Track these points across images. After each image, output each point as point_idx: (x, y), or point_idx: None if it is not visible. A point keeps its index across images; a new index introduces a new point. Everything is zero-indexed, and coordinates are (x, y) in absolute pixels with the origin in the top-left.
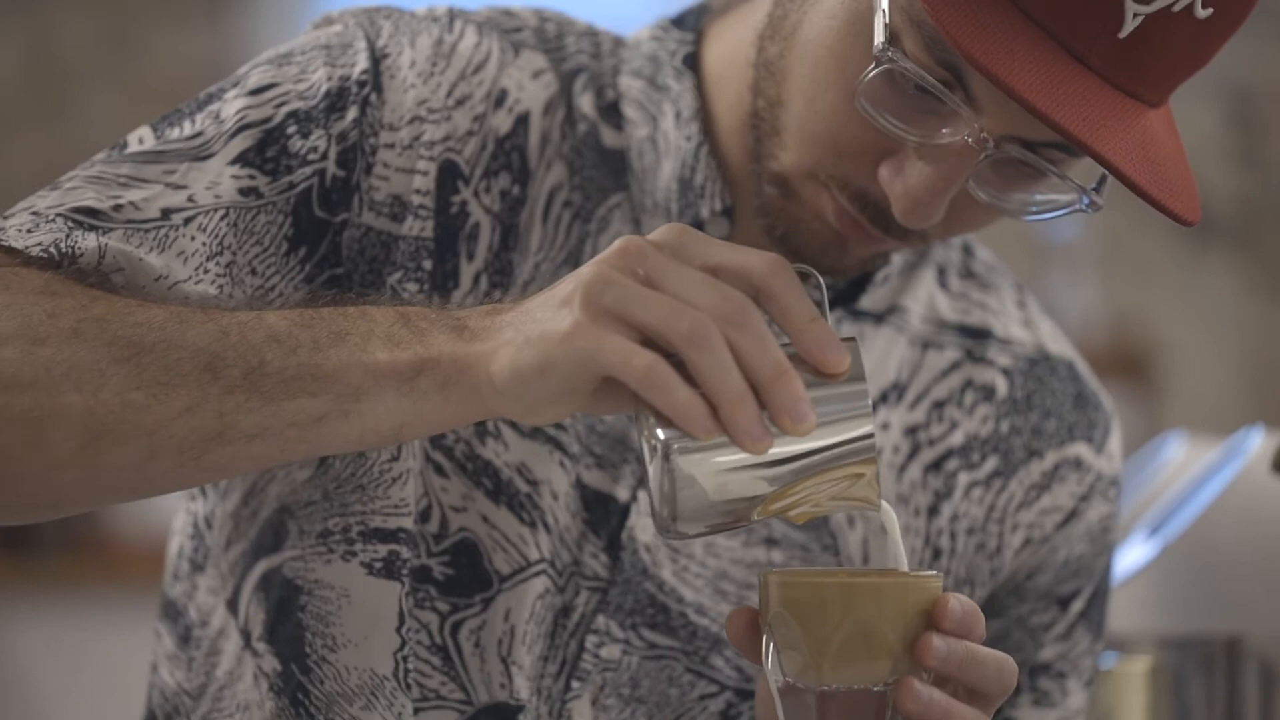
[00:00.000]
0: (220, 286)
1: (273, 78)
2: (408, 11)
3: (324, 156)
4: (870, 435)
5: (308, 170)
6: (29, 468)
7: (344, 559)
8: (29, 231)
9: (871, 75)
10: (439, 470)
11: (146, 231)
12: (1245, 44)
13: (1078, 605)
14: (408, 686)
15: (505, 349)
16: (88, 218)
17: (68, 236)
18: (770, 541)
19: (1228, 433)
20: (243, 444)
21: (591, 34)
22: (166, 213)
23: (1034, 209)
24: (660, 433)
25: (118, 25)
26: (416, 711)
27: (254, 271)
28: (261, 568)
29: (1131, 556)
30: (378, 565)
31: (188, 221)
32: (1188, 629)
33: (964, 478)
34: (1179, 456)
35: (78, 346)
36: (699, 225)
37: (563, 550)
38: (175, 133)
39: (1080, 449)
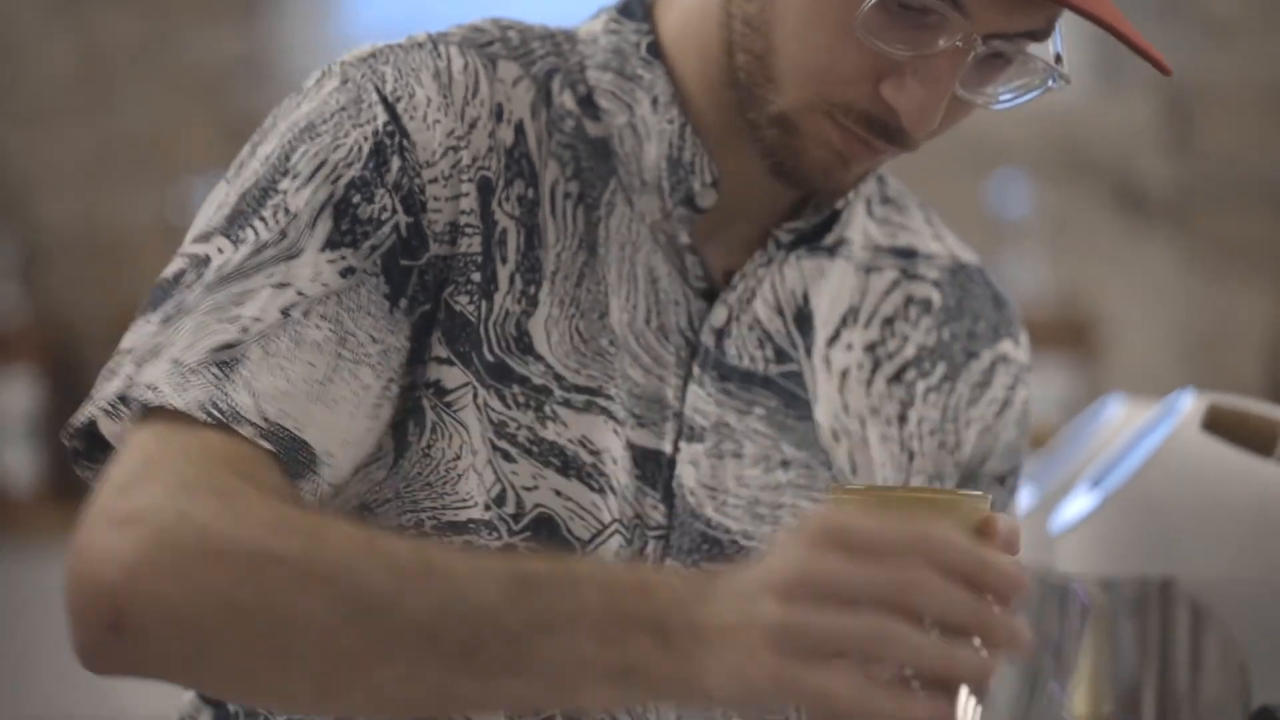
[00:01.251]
0: (353, 373)
1: (315, 154)
2: (395, 47)
3: (393, 211)
4: None
5: (385, 230)
6: (263, 691)
7: None
8: (182, 389)
9: (869, 6)
10: (506, 457)
11: (277, 336)
12: (1180, 45)
13: (1011, 481)
14: None
15: (712, 677)
16: (225, 352)
17: (223, 393)
18: (784, 464)
19: (1162, 395)
20: (457, 706)
21: (548, 35)
22: (286, 311)
23: (1006, 97)
24: None
25: (159, 26)
26: None
27: (373, 339)
28: None
29: (1074, 507)
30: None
31: (306, 314)
32: (1125, 572)
33: (921, 385)
34: (1118, 416)
35: (313, 598)
36: (690, 198)
37: (627, 507)
38: (251, 236)
39: (1006, 345)
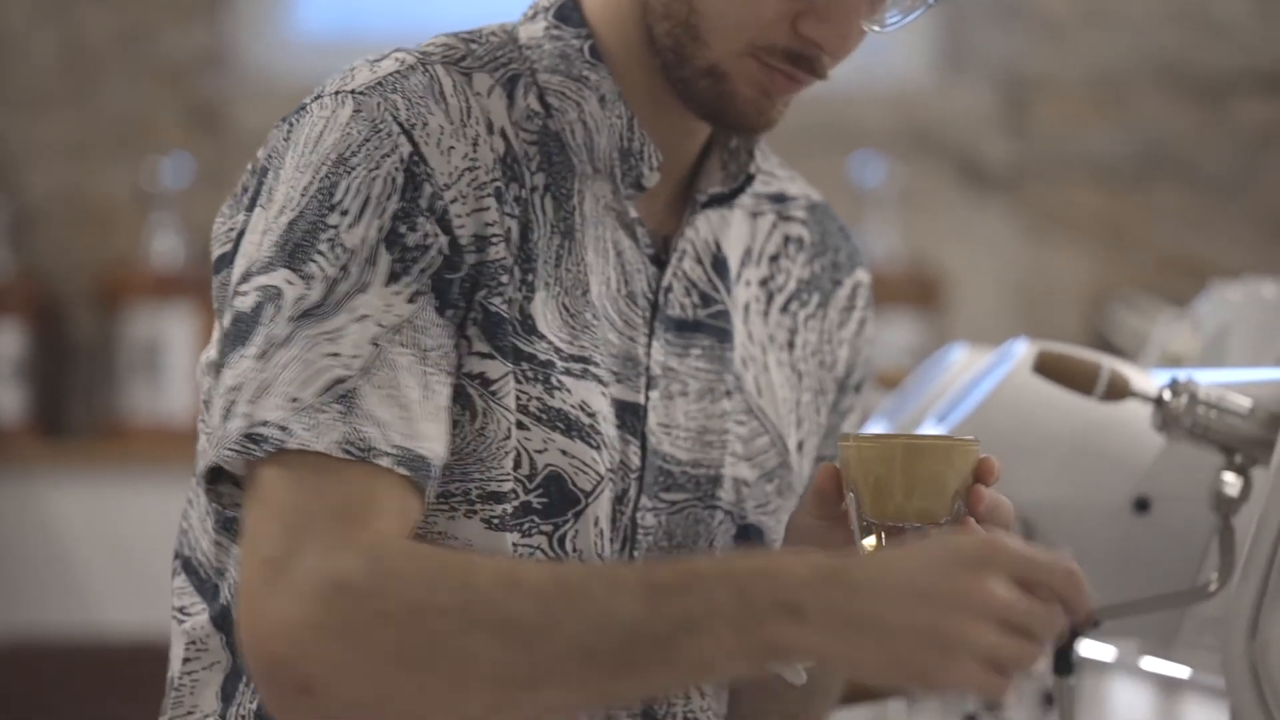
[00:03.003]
0: (439, 382)
1: (357, 189)
2: (395, 74)
3: (435, 235)
4: None
5: (431, 253)
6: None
7: (466, 516)
8: (315, 430)
9: None
10: (520, 425)
11: (377, 369)
12: (1017, 41)
13: (865, 385)
14: None
15: (872, 659)
16: (338, 387)
17: (354, 430)
18: (727, 394)
19: (998, 343)
20: (617, 703)
21: (503, 42)
22: (375, 342)
23: (893, 20)
24: None
25: (134, 21)
26: None
27: (439, 347)
28: None
29: None
30: (494, 520)
31: (391, 343)
32: None
33: (802, 314)
34: (960, 361)
35: (480, 642)
36: (639, 182)
37: (615, 456)
38: (318, 272)
39: (860, 273)
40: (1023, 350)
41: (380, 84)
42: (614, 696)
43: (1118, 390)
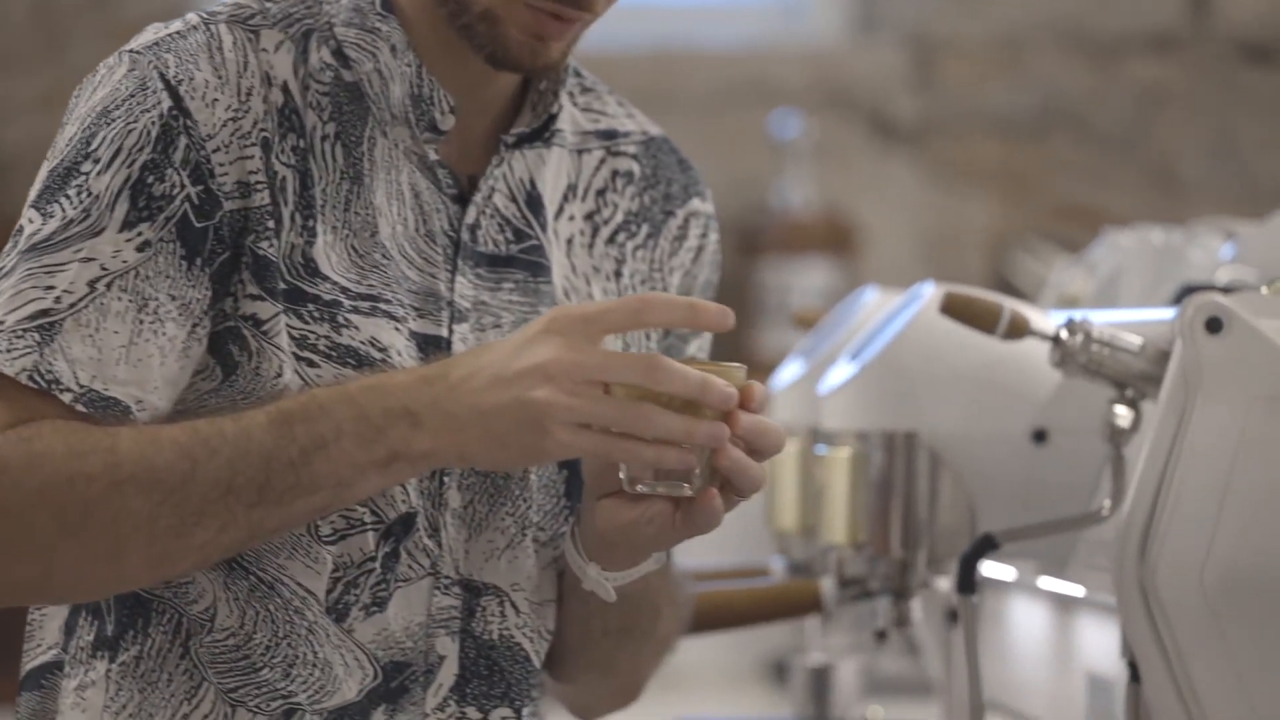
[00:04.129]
0: (155, 330)
1: (113, 139)
2: (175, 34)
3: (182, 185)
4: None
5: (176, 203)
6: (108, 584)
7: None
8: (8, 355)
9: None
10: (310, 364)
11: (86, 308)
12: (922, 2)
13: None
14: (319, 535)
15: (476, 446)
16: (43, 318)
17: (44, 360)
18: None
19: (907, 286)
20: (268, 535)
21: (296, 1)
22: (92, 284)
23: None
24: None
25: None
26: (342, 538)
27: (172, 298)
28: None
29: (837, 374)
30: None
31: (109, 287)
32: (878, 426)
33: (630, 244)
34: (872, 302)
35: (128, 498)
36: (434, 125)
37: None
38: (59, 211)
39: (695, 203)
40: (930, 292)
41: (158, 44)
42: (264, 528)
43: (1018, 329)
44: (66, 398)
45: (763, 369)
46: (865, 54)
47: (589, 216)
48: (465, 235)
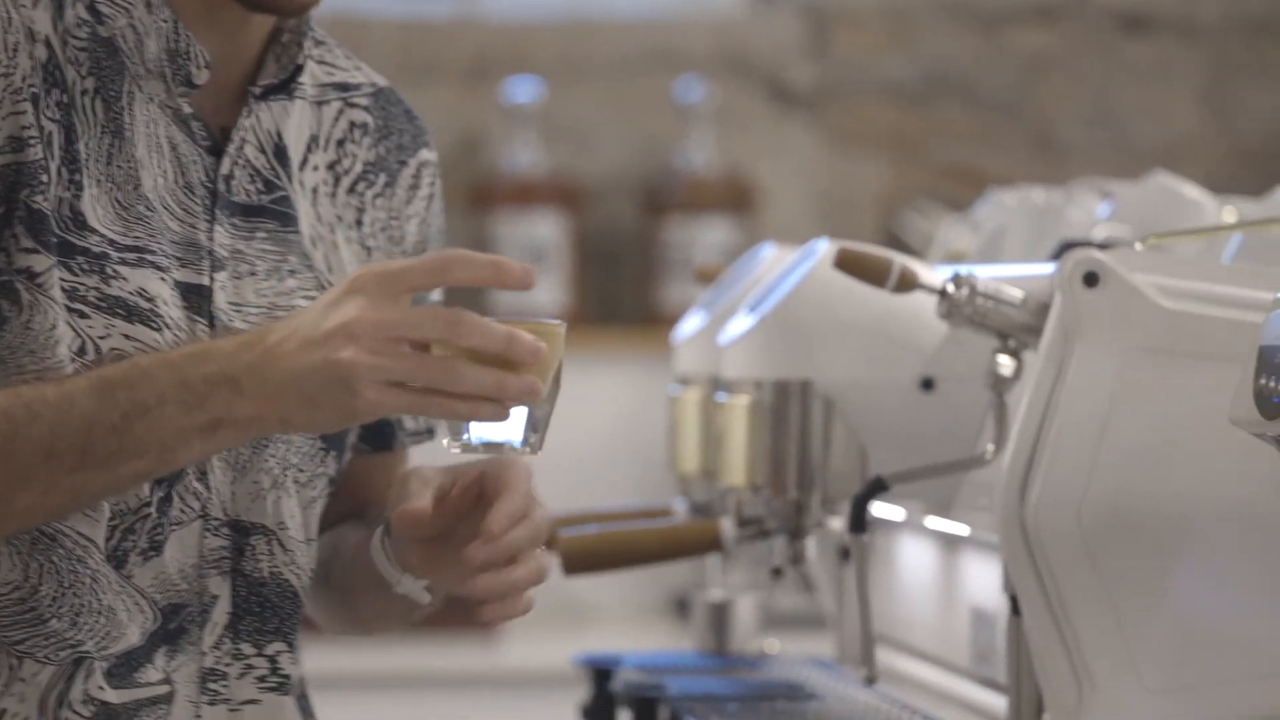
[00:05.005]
0: None
1: None
2: None
3: None
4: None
5: None
6: None
7: None
8: None
9: None
10: (81, 315)
11: None
12: None
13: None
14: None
15: (294, 411)
16: None
17: None
18: (292, 273)
19: (803, 242)
20: (93, 499)
21: None
22: None
23: None
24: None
25: None
26: None
27: None
28: None
29: (737, 325)
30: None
31: None
32: (775, 375)
33: (369, 193)
34: (770, 258)
35: None
36: (189, 80)
37: (183, 335)
38: None
39: (424, 153)
40: (824, 248)
41: None
42: (87, 491)
43: (907, 283)
44: None
45: (666, 322)
46: (764, 23)
47: (331, 166)
48: (221, 186)
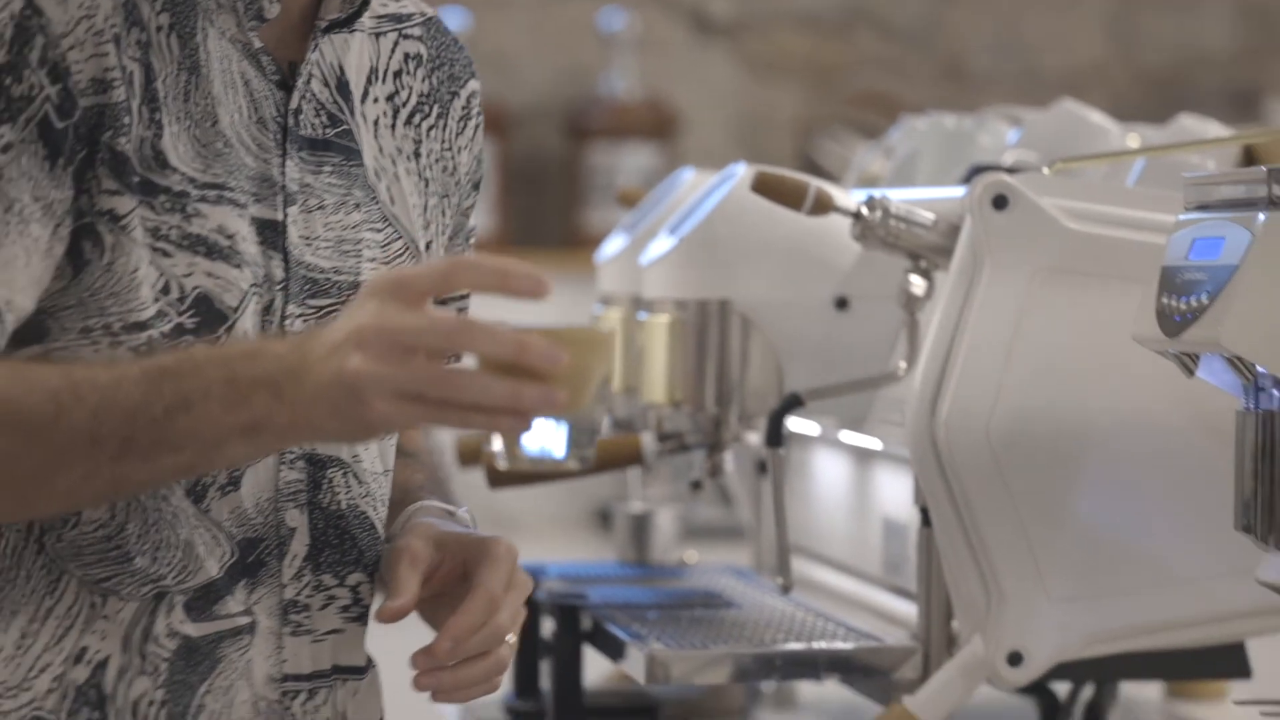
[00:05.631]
0: (21, 232)
1: None
2: None
3: (41, 86)
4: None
5: (36, 103)
6: None
7: (111, 347)
8: None
9: None
10: (165, 254)
11: None
12: None
13: (480, 185)
14: None
15: (323, 419)
16: None
17: None
18: (357, 206)
19: (721, 167)
20: (135, 489)
21: None
22: None
23: None
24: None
25: None
26: None
27: (36, 199)
28: (23, 355)
29: (658, 247)
30: (142, 348)
31: None
32: (694, 294)
33: (424, 124)
34: (690, 182)
35: None
36: (260, 14)
37: (259, 271)
38: None
39: (472, 83)
40: (742, 172)
41: None
42: (130, 480)
43: (822, 206)
44: None
45: (590, 244)
46: None
47: (389, 98)
48: (290, 120)
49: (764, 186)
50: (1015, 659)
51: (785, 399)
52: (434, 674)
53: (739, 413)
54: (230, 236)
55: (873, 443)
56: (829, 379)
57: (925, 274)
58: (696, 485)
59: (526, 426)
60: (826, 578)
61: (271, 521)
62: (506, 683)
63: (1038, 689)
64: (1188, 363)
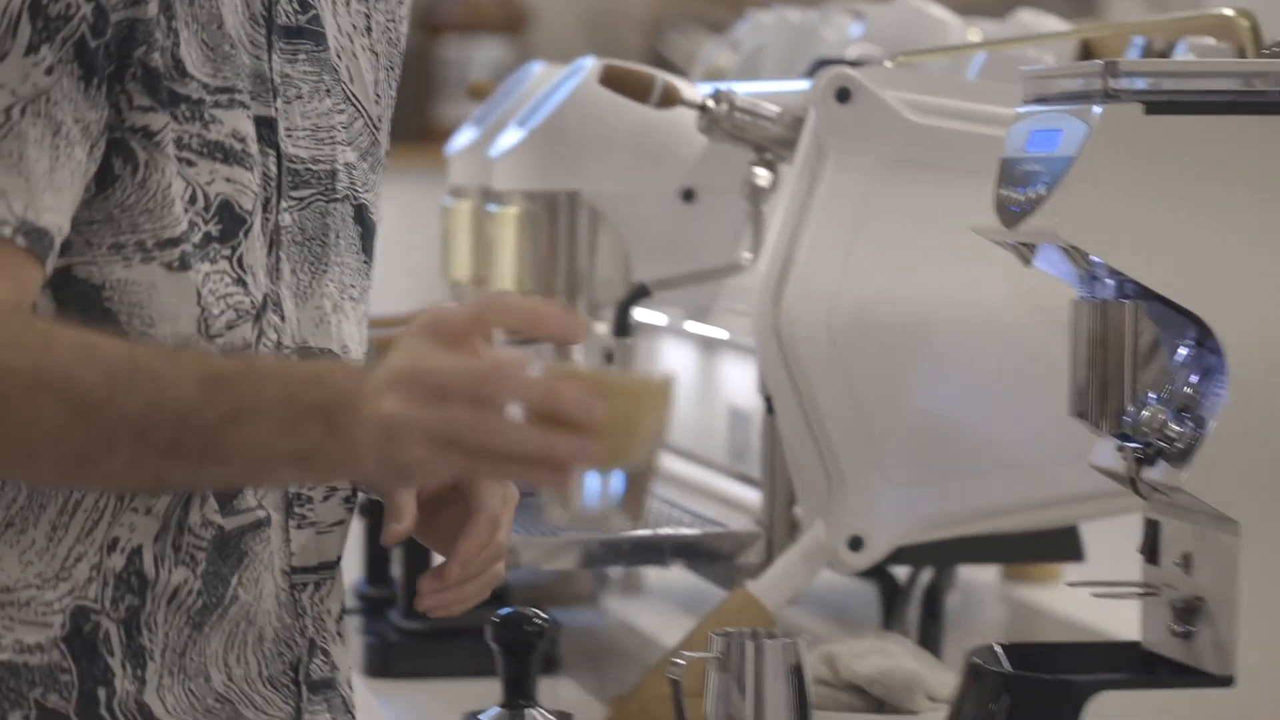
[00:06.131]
0: (68, 155)
1: None
2: None
3: (77, 5)
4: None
5: (74, 22)
6: (21, 479)
7: (143, 262)
8: None
9: None
10: (189, 164)
11: (6, 137)
12: None
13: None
14: (209, 332)
15: (368, 460)
16: None
17: None
18: (327, 92)
19: (571, 61)
20: (179, 488)
21: None
22: (7, 111)
23: None
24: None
25: None
26: (230, 327)
27: (77, 121)
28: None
29: (507, 139)
30: (174, 263)
31: (24, 112)
32: (543, 186)
33: (375, 1)
34: (539, 74)
35: (42, 406)
36: None
37: (261, 171)
38: None
39: None
40: (591, 66)
41: None
42: (173, 480)
43: (669, 99)
44: (5, 231)
45: (441, 137)
46: None
47: None
48: (273, 12)
49: (612, 79)
50: (856, 543)
51: (632, 289)
52: (440, 594)
53: (588, 303)
54: (242, 139)
55: (718, 333)
56: (676, 270)
57: (770, 166)
58: None
59: (565, 480)
60: (672, 465)
61: None
62: (357, 569)
63: (878, 573)
64: (1025, 253)
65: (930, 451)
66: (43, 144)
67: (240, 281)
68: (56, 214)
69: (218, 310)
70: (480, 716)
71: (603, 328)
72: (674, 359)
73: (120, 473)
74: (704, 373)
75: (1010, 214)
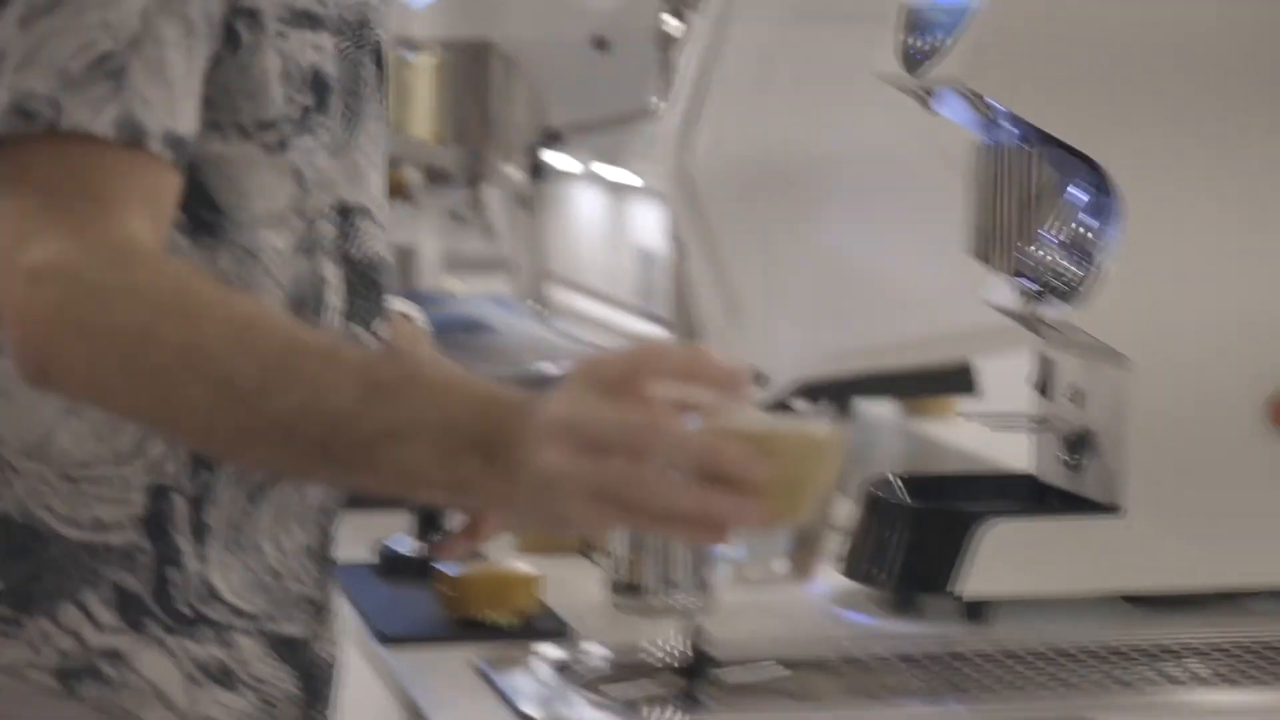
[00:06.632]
0: (198, 54)
1: None
2: None
3: None
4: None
5: None
6: (166, 438)
7: (241, 140)
8: (88, 109)
9: None
10: (283, 36)
11: (144, 43)
12: None
13: None
14: (304, 216)
15: (524, 501)
16: (108, 62)
17: (126, 110)
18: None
19: None
20: (320, 484)
21: None
22: (144, 14)
23: None
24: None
25: None
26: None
27: (205, 14)
28: None
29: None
30: (272, 144)
31: (159, 13)
32: (459, 35)
33: None
34: None
35: (189, 385)
36: None
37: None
38: None
39: None
40: None
41: None
42: (318, 479)
43: None
44: (154, 145)
45: None
46: None
47: None
48: None
49: None
50: (759, 379)
51: (543, 133)
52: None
53: (502, 149)
54: (323, 1)
55: (628, 177)
56: (589, 116)
57: (679, 14)
58: (458, 217)
59: (724, 540)
60: (582, 305)
61: (308, 269)
62: None
63: (780, 409)
64: (926, 99)
65: (831, 289)
66: (179, 46)
67: (334, 154)
68: (190, 119)
69: (314, 188)
70: (388, 542)
71: (516, 173)
72: (585, 203)
73: (264, 463)
74: (614, 216)
75: (914, 61)
